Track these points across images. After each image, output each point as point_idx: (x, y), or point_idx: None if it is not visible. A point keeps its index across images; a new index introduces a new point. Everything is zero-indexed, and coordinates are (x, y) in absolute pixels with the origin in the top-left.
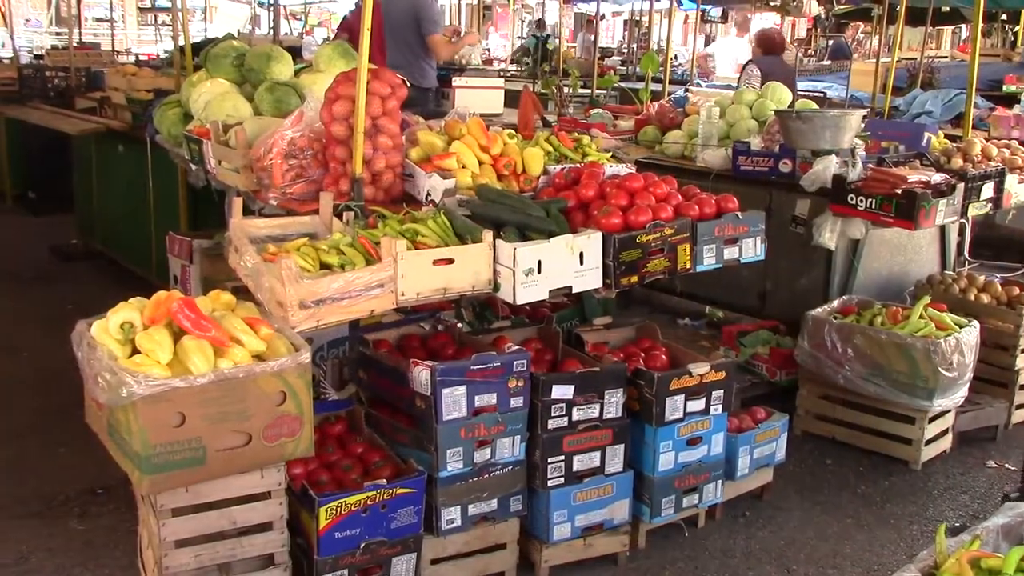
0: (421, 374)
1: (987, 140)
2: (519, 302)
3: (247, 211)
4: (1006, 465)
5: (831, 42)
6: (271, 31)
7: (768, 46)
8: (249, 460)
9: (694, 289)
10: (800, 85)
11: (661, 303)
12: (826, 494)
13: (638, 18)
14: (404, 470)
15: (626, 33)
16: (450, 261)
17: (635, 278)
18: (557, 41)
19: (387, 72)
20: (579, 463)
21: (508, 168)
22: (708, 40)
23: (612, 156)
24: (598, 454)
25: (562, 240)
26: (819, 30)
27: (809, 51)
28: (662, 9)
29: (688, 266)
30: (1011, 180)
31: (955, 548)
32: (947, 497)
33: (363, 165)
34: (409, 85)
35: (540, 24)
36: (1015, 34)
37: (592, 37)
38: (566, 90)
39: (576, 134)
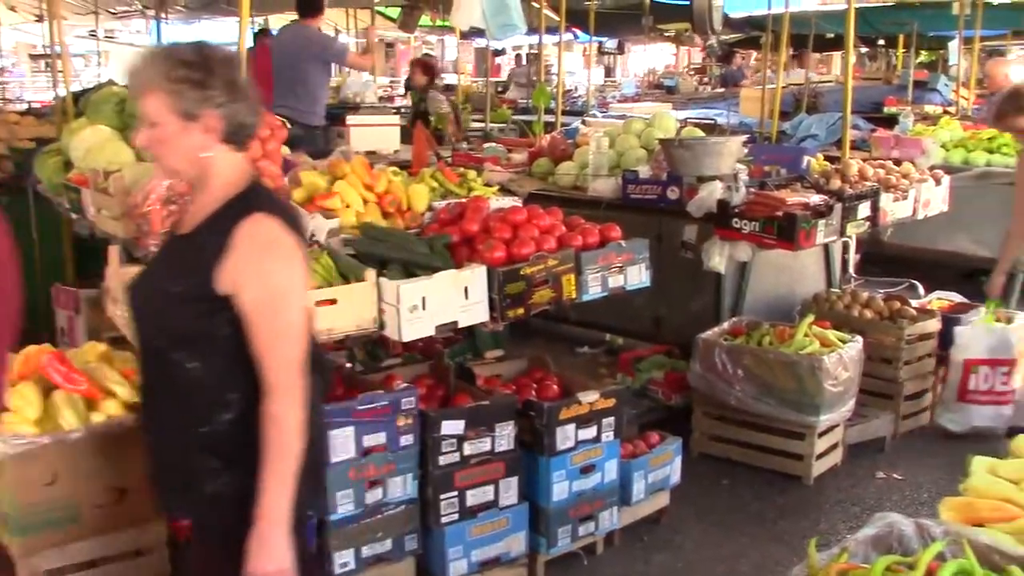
0: None
1: (866, 161)
2: (405, 339)
3: (131, 259)
4: (894, 475)
5: (724, 70)
6: None
7: (431, 75)
8: (127, 516)
9: (593, 317)
10: (692, 112)
11: (560, 333)
12: (722, 514)
13: (536, 52)
14: None
15: (530, 67)
16: (333, 301)
17: (521, 310)
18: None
19: (266, 114)
20: (472, 498)
21: (393, 205)
22: (608, 71)
23: (500, 189)
24: (491, 488)
25: (446, 275)
26: (711, 59)
27: (704, 79)
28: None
29: (573, 296)
30: (886, 199)
31: (826, 562)
32: (838, 510)
33: None
34: (295, 124)
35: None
36: (897, 57)
37: (520, 71)
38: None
39: (462, 169)
